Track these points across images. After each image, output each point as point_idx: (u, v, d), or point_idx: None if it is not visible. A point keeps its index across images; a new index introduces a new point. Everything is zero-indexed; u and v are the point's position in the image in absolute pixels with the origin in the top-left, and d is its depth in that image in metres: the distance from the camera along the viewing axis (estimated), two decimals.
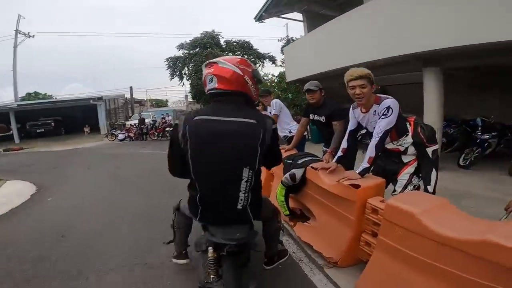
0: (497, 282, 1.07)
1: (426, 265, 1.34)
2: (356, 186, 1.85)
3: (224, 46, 22.78)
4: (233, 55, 23.35)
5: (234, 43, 23.53)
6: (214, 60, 1.40)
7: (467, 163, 4.86)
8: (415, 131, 2.08)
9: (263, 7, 10.13)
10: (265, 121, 1.32)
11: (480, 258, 1.11)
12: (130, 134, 14.94)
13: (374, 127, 1.98)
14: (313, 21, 9.93)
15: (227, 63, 1.36)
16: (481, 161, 4.89)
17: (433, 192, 2.02)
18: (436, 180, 2.06)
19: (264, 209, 1.58)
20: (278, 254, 1.89)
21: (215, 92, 1.36)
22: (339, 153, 2.27)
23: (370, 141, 2.05)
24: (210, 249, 1.32)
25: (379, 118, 1.93)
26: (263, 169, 2.99)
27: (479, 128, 4.99)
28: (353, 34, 6.38)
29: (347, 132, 2.28)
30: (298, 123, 3.63)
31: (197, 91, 20.01)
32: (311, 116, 3.05)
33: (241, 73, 1.36)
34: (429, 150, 2.08)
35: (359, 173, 1.95)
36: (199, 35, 21.64)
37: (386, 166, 2.16)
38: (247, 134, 1.27)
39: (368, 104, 1.99)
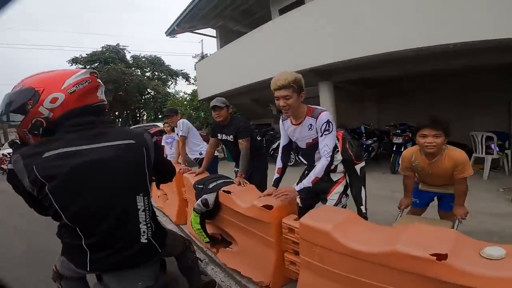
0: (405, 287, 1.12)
1: (348, 280, 1.33)
2: (269, 207, 1.77)
3: (131, 62, 20.99)
4: (141, 71, 21.82)
5: (143, 59, 21.99)
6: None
7: (363, 170, 5.72)
8: (344, 147, 1.97)
9: (176, 20, 9.76)
10: (145, 138, 1.14)
11: (392, 268, 1.14)
12: (2, 165, 11.80)
13: (308, 143, 1.87)
14: (226, 38, 10.07)
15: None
16: (368, 164, 5.80)
17: (366, 211, 1.99)
18: (366, 198, 2.01)
19: (174, 242, 1.37)
20: (205, 287, 1.76)
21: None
22: (276, 175, 2.04)
23: (300, 157, 2.01)
24: None
25: (322, 135, 1.76)
26: (176, 196, 2.64)
27: (364, 134, 5.93)
28: (261, 50, 6.76)
29: (281, 148, 2.07)
30: None
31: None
32: (219, 136, 2.87)
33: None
34: (358, 168, 1.99)
35: (298, 191, 1.77)
36: (99, 49, 19.33)
37: (315, 185, 1.94)
38: (129, 158, 1.06)
39: (298, 115, 1.82)
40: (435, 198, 2.23)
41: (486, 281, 0.93)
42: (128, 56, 21.13)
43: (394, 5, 4.30)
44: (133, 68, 20.58)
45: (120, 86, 17.56)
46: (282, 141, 2.06)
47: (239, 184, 2.25)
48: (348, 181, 1.99)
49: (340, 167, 1.95)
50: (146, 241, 1.07)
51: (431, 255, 1.01)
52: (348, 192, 2.01)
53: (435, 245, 1.04)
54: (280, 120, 2.02)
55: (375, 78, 6.52)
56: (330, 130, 1.74)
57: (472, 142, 5.03)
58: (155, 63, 22.71)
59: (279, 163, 2.06)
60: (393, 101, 7.91)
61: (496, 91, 6.11)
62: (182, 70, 24.49)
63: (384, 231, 1.31)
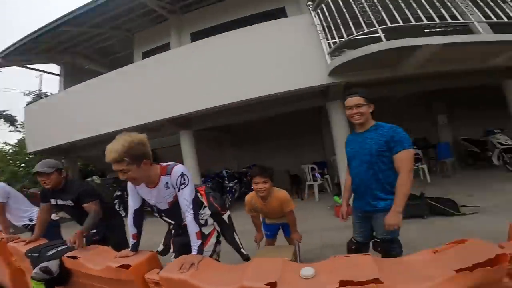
0: None
1: None
2: (127, 266, 1.67)
3: None
4: None
5: None
6: None
7: (231, 218, 6.12)
8: (209, 201, 2.03)
9: (3, 51, 7.37)
10: None
11: None
12: None
13: (170, 202, 1.81)
14: (74, 77, 8.35)
15: None
16: (234, 204, 6.26)
17: (247, 254, 2.11)
18: (240, 241, 2.12)
19: None
20: None
21: None
22: (132, 241, 1.89)
23: (165, 219, 1.94)
24: None
25: (179, 190, 1.71)
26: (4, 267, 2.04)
27: (226, 178, 6.49)
28: (118, 95, 6.11)
29: (132, 212, 1.90)
30: None
31: None
32: (53, 201, 2.45)
33: None
34: (225, 217, 2.11)
35: (199, 253, 1.66)
36: None
37: (188, 241, 1.84)
38: None
39: (151, 180, 1.74)
40: (281, 228, 2.73)
41: None
42: None
43: (234, 66, 5.17)
44: None
45: None
46: (133, 205, 1.89)
47: (74, 243, 1.96)
48: (219, 231, 2.07)
49: (210, 220, 2.01)
50: None
51: (265, 284, 1.23)
52: (221, 239, 2.10)
53: (268, 276, 1.29)
54: (129, 182, 1.82)
55: (229, 124, 7.44)
56: (186, 183, 1.71)
57: (303, 173, 6.50)
58: None
59: (132, 229, 1.90)
60: (247, 145, 9.18)
61: (313, 131, 8.32)
62: (5, 111, 18.78)
63: (234, 270, 1.48)
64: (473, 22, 3.90)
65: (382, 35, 3.80)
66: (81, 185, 2.49)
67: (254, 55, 5.06)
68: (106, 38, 7.94)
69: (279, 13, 6.39)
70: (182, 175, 1.71)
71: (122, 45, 8.43)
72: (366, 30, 3.92)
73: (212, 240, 1.96)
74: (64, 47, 8.09)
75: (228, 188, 6.30)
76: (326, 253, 2.95)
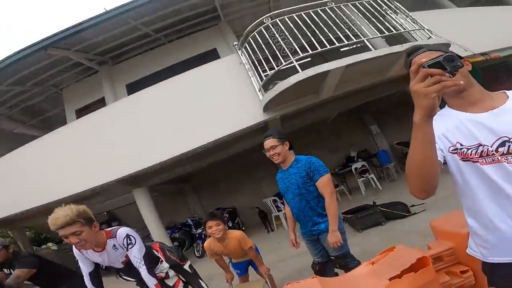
0: None
1: None
2: None
3: None
4: None
5: None
6: None
7: (200, 253, 5.96)
8: (165, 255, 2.10)
9: None
10: None
11: None
12: None
13: (124, 261, 1.85)
14: (5, 144, 7.33)
15: None
16: (201, 249, 6.00)
17: None
18: (207, 286, 2.19)
19: None
20: None
21: None
22: None
23: (125, 278, 1.95)
24: None
25: (127, 250, 1.79)
26: None
27: (192, 226, 6.34)
28: (56, 159, 5.47)
29: (87, 275, 1.90)
30: None
31: None
32: (5, 271, 2.51)
33: None
34: (186, 267, 2.19)
35: None
36: None
37: None
38: None
39: (98, 244, 1.77)
40: (250, 264, 2.78)
41: None
42: None
43: (174, 115, 5.04)
44: None
45: None
46: (86, 269, 1.88)
47: None
48: (184, 280, 2.10)
49: (171, 272, 2.05)
50: None
51: None
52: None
53: None
54: (74, 249, 1.83)
55: (188, 173, 7.26)
56: (133, 243, 1.79)
57: (267, 206, 6.63)
58: None
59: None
60: (207, 189, 9.05)
61: (269, 164, 8.60)
62: None
63: None
64: (366, 39, 4.38)
65: (297, 65, 4.10)
66: (21, 256, 2.55)
67: (192, 101, 5.00)
68: (31, 95, 7.14)
69: (212, 55, 6.55)
70: (127, 236, 1.80)
71: (51, 103, 7.69)
72: (284, 64, 4.23)
73: None
74: None
75: (197, 235, 6.16)
76: (305, 276, 3.03)
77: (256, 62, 4.63)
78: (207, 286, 2.20)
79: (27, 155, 5.78)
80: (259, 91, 4.65)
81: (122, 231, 1.81)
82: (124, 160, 5.11)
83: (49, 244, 8.08)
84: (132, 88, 6.57)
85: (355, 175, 7.09)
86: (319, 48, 4.22)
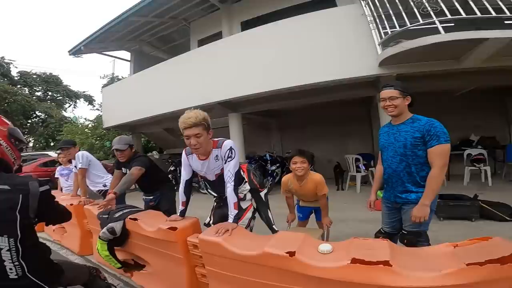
0: (279, 281, 1.49)
1: (242, 281, 1.63)
2: (174, 229, 2.00)
3: (17, 78, 17.70)
4: (30, 90, 18.54)
5: (34, 76, 18.83)
6: None
7: (267, 196, 6.39)
8: (249, 178, 2.19)
9: (84, 40, 8.67)
10: (26, 185, 1.21)
11: (265, 266, 1.51)
12: None
13: (217, 174, 1.97)
14: (141, 62, 9.63)
15: None
16: (274, 187, 6.44)
17: (278, 230, 2.19)
18: (273, 218, 2.28)
19: (73, 273, 1.51)
20: None
21: None
22: (181, 207, 2.16)
23: (209, 191, 2.14)
24: None
25: (225, 162, 1.89)
26: (76, 228, 2.76)
27: (268, 161, 6.71)
28: (177, 80, 6.88)
29: (184, 183, 2.11)
30: None
31: None
32: (124, 170, 2.94)
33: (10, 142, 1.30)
34: (262, 194, 2.27)
35: (234, 222, 1.87)
36: None
37: (226, 213, 2.01)
38: None
39: (206, 152, 1.89)
40: (313, 212, 2.86)
41: (319, 270, 1.36)
42: (14, 72, 17.84)
43: (282, 54, 5.34)
44: (18, 86, 17.37)
45: None
46: (185, 176, 2.10)
47: (106, 204, 2.29)
48: (255, 207, 2.23)
49: (248, 196, 2.18)
50: (16, 277, 1.17)
51: (285, 252, 1.43)
52: (256, 215, 2.27)
53: (289, 246, 1.48)
54: (184, 155, 2.05)
55: (277, 109, 7.58)
56: (233, 157, 1.89)
57: (347, 163, 6.38)
58: (50, 81, 19.78)
59: (182, 197, 2.12)
60: (292, 130, 9.23)
61: (362, 121, 8.01)
62: (84, 92, 21.93)
63: (259, 239, 1.71)
64: None
65: (440, 27, 3.53)
66: (138, 156, 2.90)
67: (303, 44, 5.12)
68: (167, 27, 8.72)
69: (329, 2, 6.23)
70: (231, 149, 1.90)
71: (180, 33, 9.21)
72: (421, 22, 3.69)
73: (248, 214, 2.15)
74: (133, 36, 9.10)
75: (270, 171, 6.51)
76: None
77: (382, 16, 4.26)
78: (273, 219, 2.28)
79: (158, 73, 7.44)
80: (378, 45, 4.38)
81: (227, 142, 1.92)
82: (228, 86, 5.90)
83: (154, 152, 9.99)
84: (246, 25, 7.17)
85: (464, 161, 5.94)
86: (478, 13, 3.48)
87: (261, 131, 9.72)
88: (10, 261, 1.16)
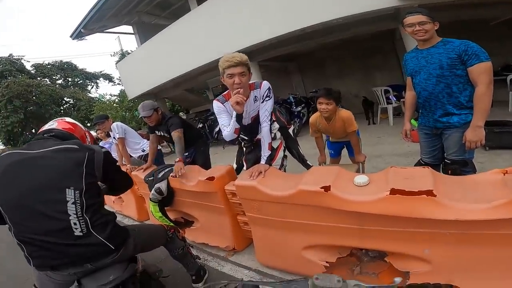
0: (316, 219, 1.52)
1: (282, 223, 1.68)
2: (211, 179, 2.06)
3: (33, 72, 18.26)
4: (50, 80, 19.26)
5: (49, 66, 19.33)
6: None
7: (295, 132, 6.37)
8: (276, 116, 2.19)
9: (80, 23, 8.53)
10: (91, 146, 1.34)
11: (301, 204, 1.51)
12: None
13: (253, 117, 1.96)
14: (145, 33, 9.42)
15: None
16: (303, 127, 6.41)
17: (312, 165, 2.20)
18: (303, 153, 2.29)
19: (149, 235, 1.60)
20: (198, 271, 1.90)
21: (49, 129, 1.39)
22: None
23: (241, 135, 2.05)
24: None
25: (263, 101, 1.89)
26: (130, 195, 2.93)
27: (293, 103, 6.52)
28: (186, 40, 6.69)
29: (237, 127, 1.85)
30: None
31: (11, 133, 15.13)
32: (157, 132, 3.07)
33: (83, 129, 1.56)
34: (290, 131, 2.30)
35: (266, 163, 1.88)
36: None
37: (259, 157, 2.02)
38: (64, 156, 1.23)
39: (245, 93, 1.83)
40: (345, 147, 2.77)
41: (356, 204, 1.33)
42: (28, 66, 18.34)
43: None
44: (38, 78, 18.01)
45: (28, 100, 15.32)
46: (226, 122, 1.90)
47: (177, 171, 2.37)
48: (285, 145, 2.25)
49: (278, 134, 2.18)
50: (81, 233, 1.17)
51: (320, 188, 1.41)
52: (287, 153, 2.28)
53: (323, 181, 1.45)
54: (218, 104, 1.93)
55: (295, 52, 7.12)
56: (271, 96, 1.90)
57: (376, 96, 6.01)
58: (66, 68, 20.27)
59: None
60: (312, 70, 8.75)
61: (387, 54, 7.32)
62: (101, 72, 22.30)
63: (293, 178, 1.70)
64: None
65: None
66: (171, 117, 2.98)
67: None
68: None
69: None
70: (269, 88, 1.91)
71: None
72: None
73: (280, 154, 2.17)
74: (128, 9, 8.72)
75: (296, 113, 6.35)
76: None
77: None
78: (303, 154, 2.32)
79: (166, 37, 7.23)
80: None
81: (266, 83, 1.91)
82: (237, 37, 5.64)
83: (180, 113, 10.20)
84: None
85: (508, 86, 5.29)
86: None
87: (280, 75, 9.36)
88: (75, 215, 1.16)
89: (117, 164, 1.54)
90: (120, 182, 1.57)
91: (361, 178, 1.45)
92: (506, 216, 1.05)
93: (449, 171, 1.85)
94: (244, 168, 2.33)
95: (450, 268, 1.26)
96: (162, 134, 3.04)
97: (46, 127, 1.46)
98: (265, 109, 1.89)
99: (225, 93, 1.98)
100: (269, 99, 1.89)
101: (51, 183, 1.17)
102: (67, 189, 1.16)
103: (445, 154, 1.89)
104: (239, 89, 1.70)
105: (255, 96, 1.91)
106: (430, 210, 1.16)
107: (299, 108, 6.44)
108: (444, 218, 1.14)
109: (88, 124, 17.30)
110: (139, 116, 3.06)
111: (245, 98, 1.73)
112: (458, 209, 1.13)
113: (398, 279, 0.69)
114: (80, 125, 1.59)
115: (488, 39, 5.96)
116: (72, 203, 1.16)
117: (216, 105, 1.95)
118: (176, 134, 2.75)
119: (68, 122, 1.52)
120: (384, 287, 0.69)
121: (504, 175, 1.23)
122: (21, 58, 17.93)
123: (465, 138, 1.66)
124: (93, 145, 1.41)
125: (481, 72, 1.58)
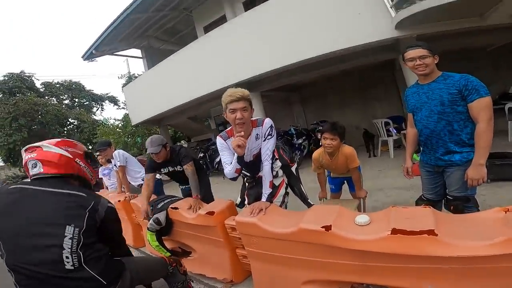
0: (317, 256, 1.51)
1: (282, 258, 1.67)
2: (211, 213, 2.08)
3: (42, 90, 18.67)
4: (57, 100, 19.70)
5: (57, 85, 19.80)
6: (37, 144, 1.37)
7: (297, 170, 6.35)
8: (279, 154, 2.17)
9: (93, 44, 8.89)
10: (99, 197, 1.37)
11: (302, 242, 1.52)
12: None
13: (255, 154, 1.95)
14: (153, 57, 9.80)
15: (53, 146, 1.36)
16: (304, 160, 6.37)
17: (313, 204, 2.18)
18: (306, 192, 2.27)
19: (149, 268, 1.60)
20: None
21: (42, 177, 1.32)
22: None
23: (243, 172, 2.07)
24: None
25: (265, 140, 1.87)
26: (127, 223, 2.90)
27: (294, 135, 6.57)
28: (191, 68, 6.89)
29: (238, 163, 1.83)
30: None
31: (13, 151, 15.14)
32: (164, 170, 2.92)
33: (70, 156, 1.39)
34: (293, 169, 2.25)
35: (267, 200, 1.89)
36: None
37: (261, 193, 1.99)
38: (70, 198, 1.28)
39: (247, 130, 1.83)
40: (345, 182, 2.78)
41: (357, 243, 1.33)
42: (37, 84, 18.80)
43: (293, 26, 5.10)
44: (46, 97, 18.42)
45: (34, 119, 15.55)
46: (230, 159, 1.89)
47: (192, 206, 2.35)
48: (287, 183, 2.22)
49: (280, 172, 2.16)
50: (72, 267, 1.18)
51: (321, 227, 1.41)
52: (289, 190, 2.25)
53: (323, 220, 1.46)
54: (221, 140, 1.93)
55: (296, 83, 7.36)
56: (272, 135, 1.88)
57: (376, 128, 6.10)
58: (73, 88, 20.74)
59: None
60: (314, 101, 8.96)
61: (387, 85, 7.56)
62: (107, 94, 22.87)
63: (294, 216, 1.71)
64: None
65: None
66: (180, 149, 2.85)
67: (308, 12, 4.92)
68: (169, 19, 8.63)
69: None
70: (271, 127, 1.89)
71: (185, 23, 9.13)
72: None
73: (282, 191, 2.14)
74: (138, 33, 9.19)
75: (297, 145, 6.37)
76: None
77: None
78: (306, 192, 2.28)
79: (171, 64, 7.47)
80: (391, 7, 4.17)
81: (268, 120, 1.89)
82: (241, 67, 5.85)
83: (182, 141, 10.29)
84: (249, 4, 6.95)
85: (506, 115, 5.40)
86: None
87: (282, 106, 9.56)
88: (69, 249, 1.18)
89: (120, 223, 1.54)
90: (113, 236, 1.49)
91: (362, 218, 1.45)
92: (508, 252, 1.07)
93: (451, 207, 1.84)
94: (246, 202, 2.30)
95: None
96: (171, 170, 2.89)
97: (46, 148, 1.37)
98: (267, 147, 1.88)
99: (228, 129, 1.98)
100: (271, 138, 1.88)
101: (53, 219, 1.21)
102: (67, 226, 1.21)
103: (447, 190, 1.89)
104: (241, 132, 1.72)
105: (257, 134, 1.90)
106: (432, 249, 1.18)
107: (300, 141, 6.49)
108: (447, 255, 1.15)
109: (90, 147, 17.36)
110: (147, 153, 2.98)
111: (246, 141, 1.72)
112: (459, 246, 1.14)
113: None
114: (84, 156, 1.48)
115: (486, 66, 6.26)
116: (69, 239, 1.20)
117: (219, 141, 1.95)
118: (190, 169, 2.70)
119: (66, 151, 1.40)
120: None
121: (505, 213, 1.25)
122: (32, 76, 18.39)
123: (467, 176, 1.67)
124: (97, 194, 1.41)
125: (481, 108, 1.61)
